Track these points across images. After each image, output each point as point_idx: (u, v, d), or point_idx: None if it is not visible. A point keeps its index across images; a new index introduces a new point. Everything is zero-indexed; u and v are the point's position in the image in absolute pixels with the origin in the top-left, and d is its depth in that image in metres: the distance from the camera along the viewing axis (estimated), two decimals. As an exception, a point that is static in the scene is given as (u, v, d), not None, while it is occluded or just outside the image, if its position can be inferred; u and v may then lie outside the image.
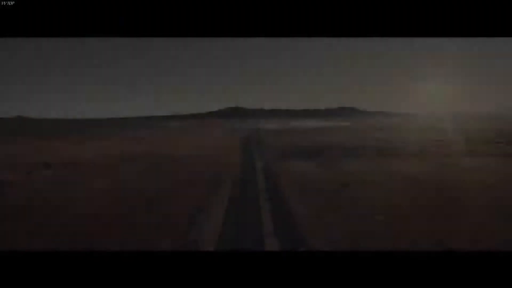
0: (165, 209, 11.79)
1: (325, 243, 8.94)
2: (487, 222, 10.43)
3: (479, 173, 19.25)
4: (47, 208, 12.43)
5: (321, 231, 9.75)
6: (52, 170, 21.77)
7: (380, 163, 24.19)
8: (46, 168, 24.69)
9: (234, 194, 14.17)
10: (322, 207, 12.20)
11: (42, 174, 20.48)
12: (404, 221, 10.43)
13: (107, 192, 14.88)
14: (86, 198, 13.98)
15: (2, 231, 9.85)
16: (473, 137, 50.30)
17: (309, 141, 46.44)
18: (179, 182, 16.92)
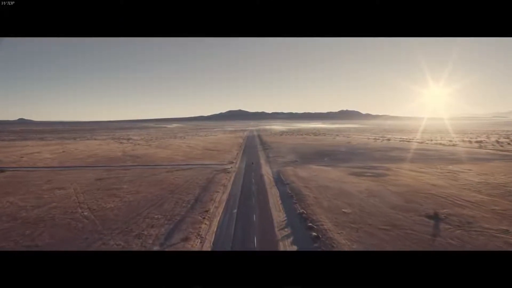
0: (221, 153, 75.91)
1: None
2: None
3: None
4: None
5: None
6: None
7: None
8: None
9: (244, 150, 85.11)
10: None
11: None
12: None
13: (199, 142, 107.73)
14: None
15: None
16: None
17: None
18: (225, 146, 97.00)
